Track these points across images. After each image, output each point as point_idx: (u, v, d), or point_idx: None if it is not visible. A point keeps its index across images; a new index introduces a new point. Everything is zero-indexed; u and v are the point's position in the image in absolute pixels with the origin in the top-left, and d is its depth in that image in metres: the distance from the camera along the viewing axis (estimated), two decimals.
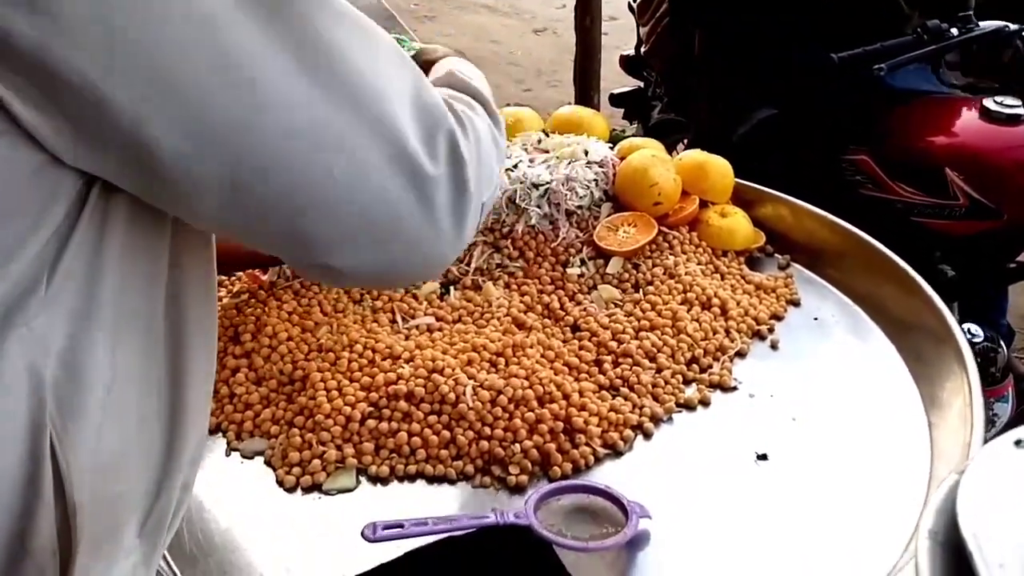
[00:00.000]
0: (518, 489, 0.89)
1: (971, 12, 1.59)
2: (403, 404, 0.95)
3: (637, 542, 0.82)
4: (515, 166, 1.21)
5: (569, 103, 2.83)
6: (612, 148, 1.28)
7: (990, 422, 1.57)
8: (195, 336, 0.61)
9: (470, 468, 0.92)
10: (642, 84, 2.30)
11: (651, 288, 1.12)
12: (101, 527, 0.56)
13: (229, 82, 0.48)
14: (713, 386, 1.02)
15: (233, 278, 1.16)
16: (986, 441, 0.75)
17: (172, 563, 0.82)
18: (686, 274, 1.14)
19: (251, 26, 0.48)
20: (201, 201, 0.51)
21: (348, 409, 0.94)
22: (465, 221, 0.58)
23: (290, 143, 0.50)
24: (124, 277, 0.53)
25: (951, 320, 1.00)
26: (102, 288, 0.52)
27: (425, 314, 1.10)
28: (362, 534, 0.78)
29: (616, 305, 1.11)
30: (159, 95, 0.46)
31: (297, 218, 0.52)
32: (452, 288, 1.15)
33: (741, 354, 1.07)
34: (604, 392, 0.99)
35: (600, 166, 1.23)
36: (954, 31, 1.56)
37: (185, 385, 0.61)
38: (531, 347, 1.02)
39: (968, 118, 1.55)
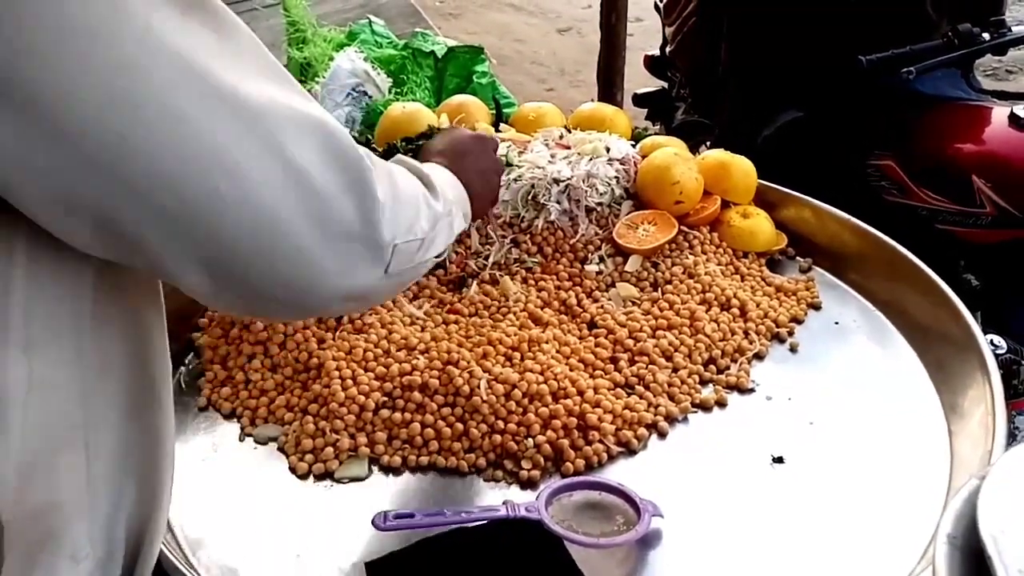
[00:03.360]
0: (530, 484, 0.89)
1: (1004, 17, 1.56)
2: (417, 395, 0.95)
3: (648, 540, 0.82)
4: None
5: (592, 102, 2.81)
6: (634, 146, 1.27)
7: (1011, 435, 1.54)
8: (132, 342, 0.59)
9: (482, 461, 0.91)
10: (666, 85, 2.29)
11: (670, 287, 1.12)
12: (34, 538, 0.55)
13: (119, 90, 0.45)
14: (730, 387, 1.01)
15: None
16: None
17: (183, 545, 0.83)
18: (705, 274, 1.13)
19: (165, 16, 0.47)
20: (75, 219, 0.48)
21: (362, 398, 0.95)
22: (378, 236, 0.57)
23: (178, 155, 0.48)
24: (34, 293, 0.52)
25: (975, 328, 0.98)
26: (12, 305, 0.51)
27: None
28: (373, 522, 0.78)
29: (634, 303, 1.10)
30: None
31: (181, 239, 0.50)
32: (470, 281, 1.14)
33: (759, 356, 1.06)
34: (619, 390, 0.99)
35: (621, 163, 1.22)
36: (986, 36, 1.54)
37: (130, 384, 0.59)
38: (547, 342, 1.02)
39: (997, 125, 1.53)
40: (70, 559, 0.57)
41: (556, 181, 1.17)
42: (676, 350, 1.03)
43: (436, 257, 0.72)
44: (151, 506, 0.64)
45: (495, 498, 0.87)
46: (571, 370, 0.98)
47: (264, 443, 0.96)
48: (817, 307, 1.14)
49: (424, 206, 0.68)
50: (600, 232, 1.18)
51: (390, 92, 1.65)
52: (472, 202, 0.85)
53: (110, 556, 0.61)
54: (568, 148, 1.24)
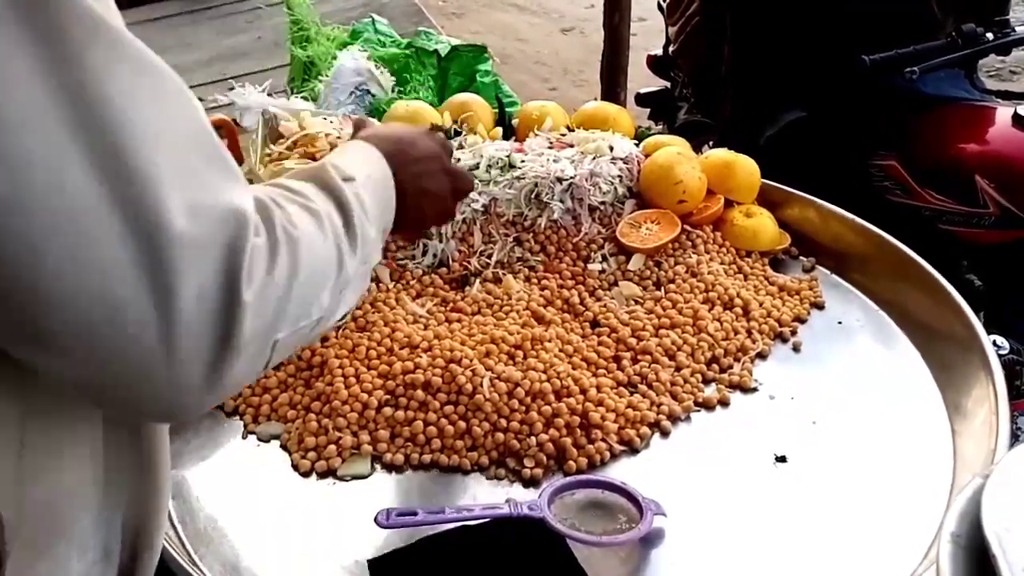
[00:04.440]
0: (532, 482, 0.89)
1: (1008, 17, 1.56)
2: (420, 393, 0.95)
3: (651, 539, 0.82)
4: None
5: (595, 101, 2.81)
6: (637, 145, 1.27)
7: (1014, 436, 1.54)
8: None
9: (485, 459, 0.91)
10: (669, 85, 2.29)
11: (673, 286, 1.12)
12: (38, 531, 0.55)
13: None
14: (733, 386, 1.01)
15: None
16: None
17: (186, 543, 0.83)
18: (708, 273, 1.13)
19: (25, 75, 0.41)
20: None
21: (365, 396, 0.95)
22: (221, 376, 0.48)
23: (21, 221, 0.41)
24: None
25: (978, 327, 0.98)
26: None
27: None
28: (375, 520, 0.78)
29: (636, 302, 1.10)
30: None
31: (13, 301, 0.44)
32: (473, 280, 1.14)
33: (762, 355, 1.06)
34: (622, 388, 0.99)
35: (625, 162, 1.22)
36: (989, 36, 1.54)
37: None
38: (549, 341, 1.02)
39: (1001, 125, 1.52)
40: (77, 551, 0.58)
41: (559, 180, 1.18)
42: (679, 349, 1.03)
43: (339, 320, 0.62)
44: (149, 506, 0.64)
45: (498, 496, 0.87)
46: (574, 368, 0.98)
47: (267, 441, 0.96)
48: (820, 307, 1.14)
49: (333, 276, 0.57)
50: (603, 231, 1.19)
51: (393, 91, 1.65)
52: (407, 216, 0.72)
53: (108, 554, 0.61)
54: (571, 146, 1.24)
